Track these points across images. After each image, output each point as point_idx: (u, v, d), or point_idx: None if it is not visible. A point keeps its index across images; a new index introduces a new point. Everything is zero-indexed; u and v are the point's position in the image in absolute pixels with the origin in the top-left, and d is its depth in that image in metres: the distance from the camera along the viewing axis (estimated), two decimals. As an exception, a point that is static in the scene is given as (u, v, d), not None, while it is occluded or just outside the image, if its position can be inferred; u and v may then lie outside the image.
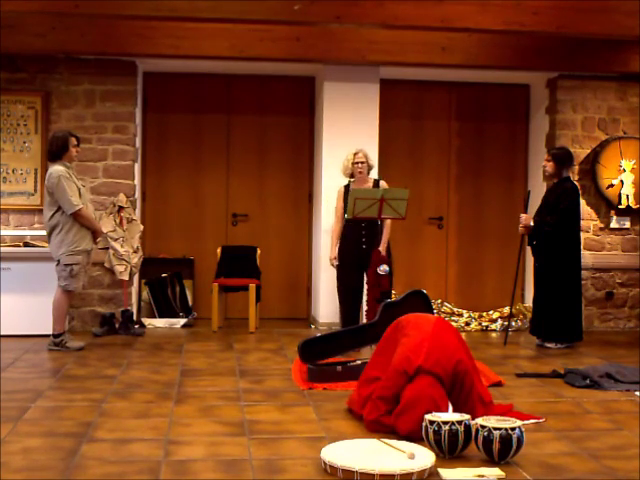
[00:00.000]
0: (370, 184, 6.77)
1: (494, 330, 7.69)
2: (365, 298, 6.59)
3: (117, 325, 7.13)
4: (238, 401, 4.74)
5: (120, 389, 5.01)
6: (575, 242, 6.79)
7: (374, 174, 7.34)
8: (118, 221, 7.28)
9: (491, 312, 7.97)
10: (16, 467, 3.50)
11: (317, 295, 7.81)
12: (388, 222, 6.66)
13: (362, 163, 6.74)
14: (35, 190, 7.34)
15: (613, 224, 7.98)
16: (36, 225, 7.31)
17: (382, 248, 6.54)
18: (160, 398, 4.78)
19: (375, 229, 6.54)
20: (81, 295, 7.19)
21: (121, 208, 7.31)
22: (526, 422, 4.13)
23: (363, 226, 6.50)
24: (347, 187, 6.82)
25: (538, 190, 7.58)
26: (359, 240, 6.53)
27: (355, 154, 6.78)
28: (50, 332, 6.34)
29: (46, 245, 6.58)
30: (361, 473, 3.31)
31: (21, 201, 7.34)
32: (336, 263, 6.78)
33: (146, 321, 7.57)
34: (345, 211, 6.48)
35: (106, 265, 7.26)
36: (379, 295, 6.19)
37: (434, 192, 8.35)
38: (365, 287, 6.60)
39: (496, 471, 3.45)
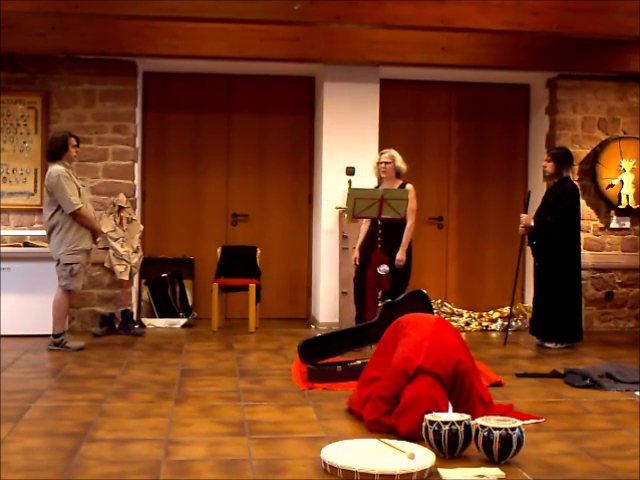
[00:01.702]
0: (397, 187, 6.56)
1: (494, 330, 7.69)
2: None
3: (117, 325, 7.13)
4: (238, 401, 4.74)
5: (120, 389, 5.01)
6: (575, 242, 6.79)
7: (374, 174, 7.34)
8: (118, 221, 7.28)
9: (491, 312, 7.97)
10: (16, 467, 3.50)
11: (317, 295, 7.81)
12: (409, 226, 6.49)
13: (386, 164, 6.55)
14: (35, 190, 7.34)
15: (613, 224, 7.98)
16: (36, 225, 7.31)
17: (400, 252, 6.42)
18: (160, 398, 4.78)
19: (392, 231, 6.36)
20: (81, 295, 7.19)
21: (121, 208, 7.31)
22: (526, 422, 4.13)
23: (379, 226, 6.39)
24: (377, 187, 6.72)
25: (538, 190, 7.58)
26: (374, 241, 6.46)
27: (381, 154, 6.63)
28: (50, 332, 6.34)
29: (46, 245, 6.58)
30: (361, 473, 3.31)
31: (21, 201, 7.34)
32: (357, 263, 6.70)
33: (146, 321, 7.57)
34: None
35: (106, 265, 7.26)
36: (379, 295, 6.18)
37: (434, 192, 8.35)
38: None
39: (496, 471, 3.45)
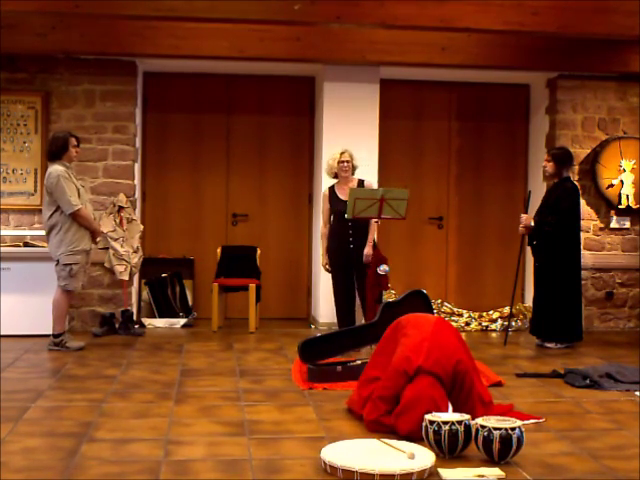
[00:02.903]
0: (354, 184, 6.74)
1: (494, 330, 7.69)
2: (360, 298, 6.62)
3: (117, 325, 7.13)
4: (238, 401, 4.74)
5: (120, 389, 5.01)
6: (575, 242, 6.79)
7: (374, 174, 7.37)
8: (118, 221, 7.28)
9: (491, 312, 7.96)
10: (16, 467, 3.50)
11: (317, 295, 7.81)
12: (374, 222, 6.63)
13: (347, 162, 6.72)
14: (35, 190, 7.34)
15: (613, 224, 7.98)
16: (36, 225, 7.31)
17: (368, 247, 6.56)
18: (160, 398, 4.78)
19: (362, 228, 6.55)
20: (81, 295, 7.19)
21: (121, 208, 7.31)
22: (526, 422, 4.13)
23: (350, 225, 6.51)
24: (332, 189, 6.81)
25: (538, 190, 7.58)
26: (346, 239, 6.55)
27: (342, 153, 6.74)
28: (50, 332, 6.34)
29: (46, 245, 6.58)
30: (361, 473, 3.31)
31: (21, 201, 7.34)
32: (329, 268, 6.78)
33: (146, 321, 7.57)
34: (345, 211, 6.47)
35: (106, 265, 7.26)
36: (379, 295, 6.20)
37: (434, 192, 8.35)
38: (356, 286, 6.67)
39: (496, 471, 3.45)
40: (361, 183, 6.78)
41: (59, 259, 6.22)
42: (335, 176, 6.84)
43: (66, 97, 7.37)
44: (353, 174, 6.83)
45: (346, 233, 6.55)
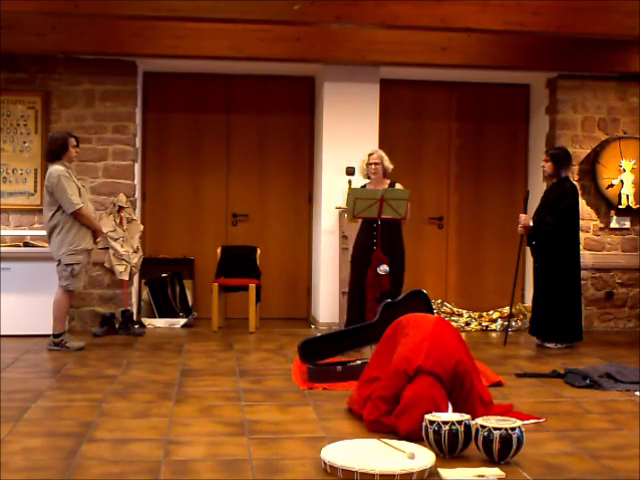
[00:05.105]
0: (386, 186, 6.60)
1: (494, 330, 7.69)
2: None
3: (117, 325, 7.13)
4: (238, 401, 4.74)
5: (120, 389, 5.01)
6: (575, 242, 6.78)
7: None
8: (118, 221, 7.28)
9: (491, 312, 7.96)
10: (16, 467, 3.50)
11: (317, 295, 7.81)
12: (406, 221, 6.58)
13: (376, 164, 6.61)
14: (35, 190, 7.34)
15: (613, 224, 7.98)
16: (36, 225, 7.31)
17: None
18: (160, 398, 4.78)
19: (388, 231, 6.41)
20: (81, 295, 7.19)
21: (121, 208, 7.31)
22: (526, 422, 4.13)
23: (375, 227, 6.41)
24: (363, 187, 6.72)
25: (538, 190, 7.58)
26: (370, 241, 6.48)
27: (370, 155, 6.66)
28: (50, 332, 6.34)
29: (46, 245, 6.58)
30: (361, 473, 3.31)
31: (21, 201, 7.34)
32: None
33: (146, 321, 7.57)
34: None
35: (106, 265, 7.26)
36: (379, 295, 6.18)
37: (434, 192, 8.35)
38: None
39: (496, 471, 3.45)
40: (392, 185, 6.64)
41: (61, 259, 6.21)
42: (367, 177, 6.76)
43: (66, 97, 7.38)
44: (385, 175, 6.69)
45: (371, 235, 6.45)
